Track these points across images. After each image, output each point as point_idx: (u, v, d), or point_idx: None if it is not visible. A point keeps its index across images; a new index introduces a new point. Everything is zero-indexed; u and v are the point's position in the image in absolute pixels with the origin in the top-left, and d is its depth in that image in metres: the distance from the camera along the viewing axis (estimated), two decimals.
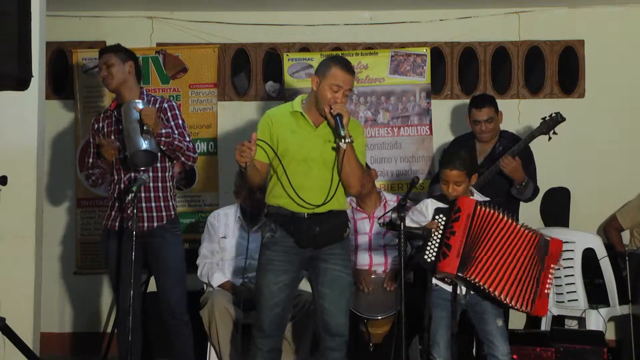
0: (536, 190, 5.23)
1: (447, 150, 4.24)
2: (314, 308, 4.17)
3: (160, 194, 4.63)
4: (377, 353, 4.74)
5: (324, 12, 6.25)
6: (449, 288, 4.11)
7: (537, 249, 3.97)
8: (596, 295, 5.39)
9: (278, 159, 3.99)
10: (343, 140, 3.86)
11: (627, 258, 5.39)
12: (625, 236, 5.88)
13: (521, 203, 5.37)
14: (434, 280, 4.15)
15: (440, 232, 4.02)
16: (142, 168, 4.53)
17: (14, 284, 4.62)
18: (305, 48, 6.30)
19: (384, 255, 5.08)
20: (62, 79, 6.33)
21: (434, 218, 4.09)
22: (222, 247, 5.15)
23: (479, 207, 4.00)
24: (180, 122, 4.69)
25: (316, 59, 6.05)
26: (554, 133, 5.11)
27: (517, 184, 5.06)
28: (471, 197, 4.16)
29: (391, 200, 5.19)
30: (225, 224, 5.18)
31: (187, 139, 4.64)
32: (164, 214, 4.63)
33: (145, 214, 4.58)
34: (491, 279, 3.92)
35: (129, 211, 4.48)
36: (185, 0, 6.04)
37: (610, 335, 5.66)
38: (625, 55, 6.20)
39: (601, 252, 5.41)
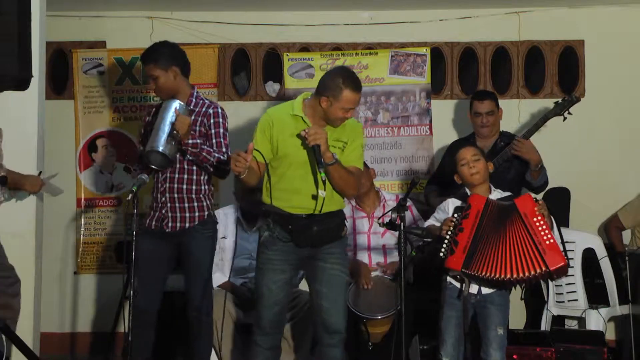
0: (547, 179, 5.23)
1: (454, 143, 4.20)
2: (311, 307, 4.18)
3: (194, 195, 4.55)
4: (377, 352, 4.74)
5: (324, 12, 6.25)
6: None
7: (512, 219, 3.93)
8: (596, 295, 5.39)
9: (266, 166, 3.99)
10: (322, 171, 3.81)
11: (627, 258, 5.38)
12: (626, 236, 5.88)
13: None
14: (448, 279, 4.11)
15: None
16: (154, 167, 4.48)
17: None
18: (305, 48, 6.29)
19: (384, 255, 5.08)
20: (62, 79, 6.33)
21: (452, 216, 4.09)
22: (222, 247, 5.14)
23: (490, 204, 3.99)
24: (220, 130, 4.55)
25: (316, 59, 6.06)
26: (569, 113, 5.12)
27: (533, 166, 5.07)
28: (490, 194, 4.14)
29: (390, 199, 5.19)
30: (224, 224, 5.18)
31: (223, 149, 4.51)
32: (196, 214, 4.54)
33: (178, 214, 4.54)
34: (496, 268, 3.88)
35: (163, 211, 4.50)
36: (185, 0, 6.04)
37: (610, 335, 5.65)
38: (625, 55, 6.19)
39: (601, 252, 5.41)
